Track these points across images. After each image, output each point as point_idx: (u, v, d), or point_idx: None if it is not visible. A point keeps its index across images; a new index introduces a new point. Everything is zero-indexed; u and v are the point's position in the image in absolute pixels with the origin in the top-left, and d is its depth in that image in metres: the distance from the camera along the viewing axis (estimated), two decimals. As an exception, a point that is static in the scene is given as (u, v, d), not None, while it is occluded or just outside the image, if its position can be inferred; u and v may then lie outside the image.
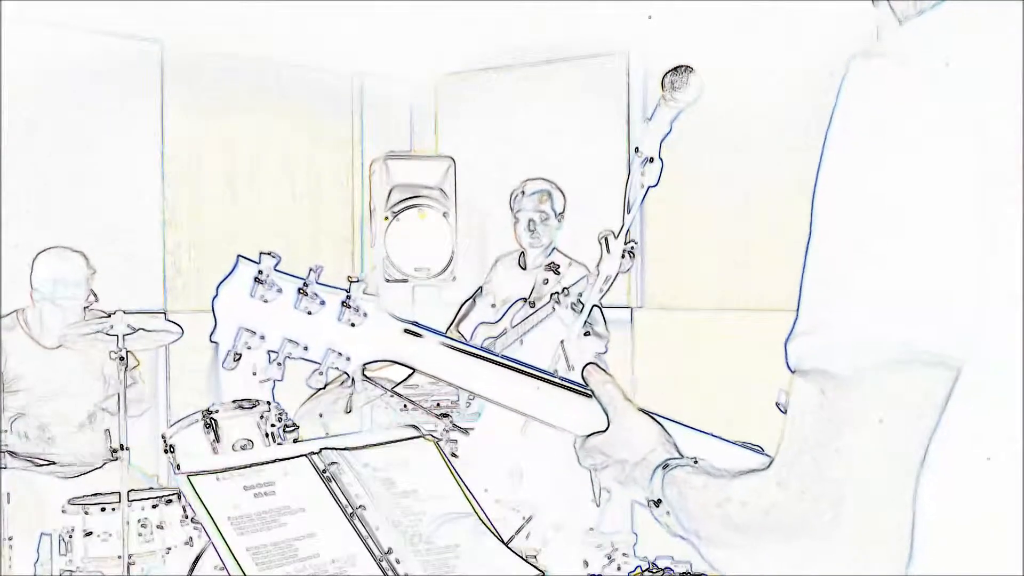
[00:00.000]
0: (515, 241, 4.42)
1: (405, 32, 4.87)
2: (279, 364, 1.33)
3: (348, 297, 1.33)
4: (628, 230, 3.31)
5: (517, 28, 4.78)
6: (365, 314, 1.34)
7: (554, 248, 4.33)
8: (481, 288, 4.51)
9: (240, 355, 1.32)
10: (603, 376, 1.33)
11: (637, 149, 3.02)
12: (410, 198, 5.00)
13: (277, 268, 1.34)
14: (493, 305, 4.30)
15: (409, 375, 4.21)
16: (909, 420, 0.94)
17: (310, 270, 1.34)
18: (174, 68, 4.80)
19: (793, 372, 0.98)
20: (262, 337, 1.33)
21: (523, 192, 4.34)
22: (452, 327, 4.47)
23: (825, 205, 0.95)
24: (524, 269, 4.37)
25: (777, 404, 1.16)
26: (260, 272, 1.33)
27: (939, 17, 0.97)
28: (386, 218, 4.99)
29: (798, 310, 0.97)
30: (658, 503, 1.17)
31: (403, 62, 5.39)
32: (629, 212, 3.14)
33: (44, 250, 3.97)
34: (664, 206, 4.61)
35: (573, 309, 3.78)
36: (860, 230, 0.93)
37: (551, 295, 3.88)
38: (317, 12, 4.52)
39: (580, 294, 3.71)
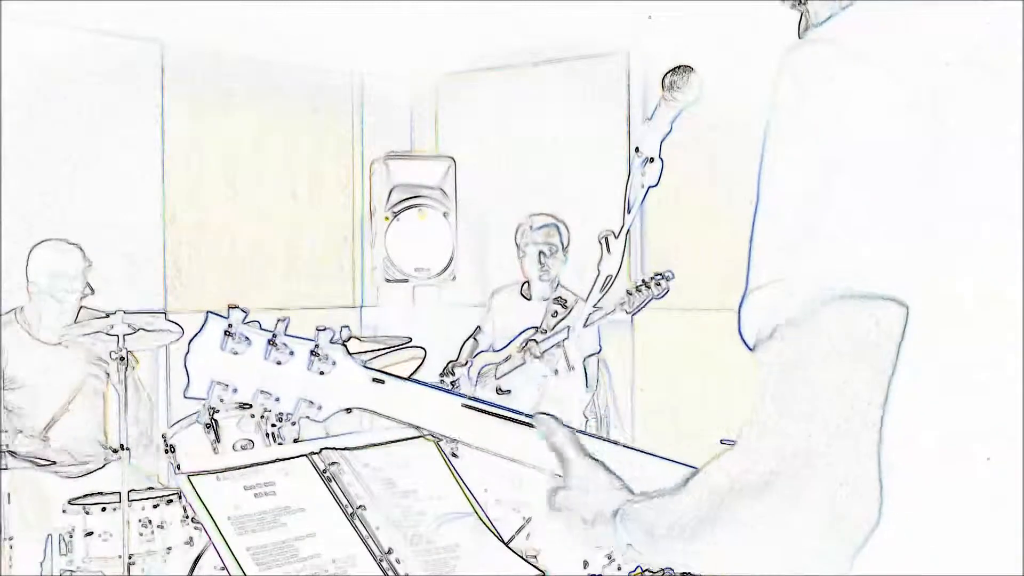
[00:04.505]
0: (521, 274, 4.45)
1: (405, 32, 4.87)
2: (252, 416, 1.36)
3: (316, 347, 1.36)
4: (628, 230, 3.31)
5: (517, 28, 4.78)
6: (334, 362, 1.36)
7: (559, 284, 4.38)
8: (479, 327, 4.53)
9: (216, 409, 1.36)
10: (552, 426, 1.33)
11: (637, 149, 3.02)
12: (410, 198, 5.00)
13: (246, 321, 1.36)
14: (496, 350, 4.32)
15: (407, 376, 4.20)
16: (865, 354, 0.98)
17: (278, 321, 1.37)
18: (174, 68, 4.80)
19: (752, 350, 1.04)
20: (235, 390, 1.35)
21: (531, 227, 4.39)
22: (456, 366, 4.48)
23: (771, 172, 1.04)
24: (528, 300, 4.41)
25: None
26: (229, 326, 1.35)
27: (848, 18, 1.07)
28: (386, 218, 4.99)
29: (747, 281, 1.05)
30: (629, 547, 1.19)
31: (403, 62, 5.39)
32: (629, 212, 3.14)
33: (40, 242, 3.96)
34: (664, 206, 4.61)
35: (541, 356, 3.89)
36: (801, 186, 1.01)
37: (525, 342, 3.94)
38: (317, 12, 4.52)
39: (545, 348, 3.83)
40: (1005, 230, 1.05)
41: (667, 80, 2.79)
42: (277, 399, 1.36)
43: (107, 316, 3.63)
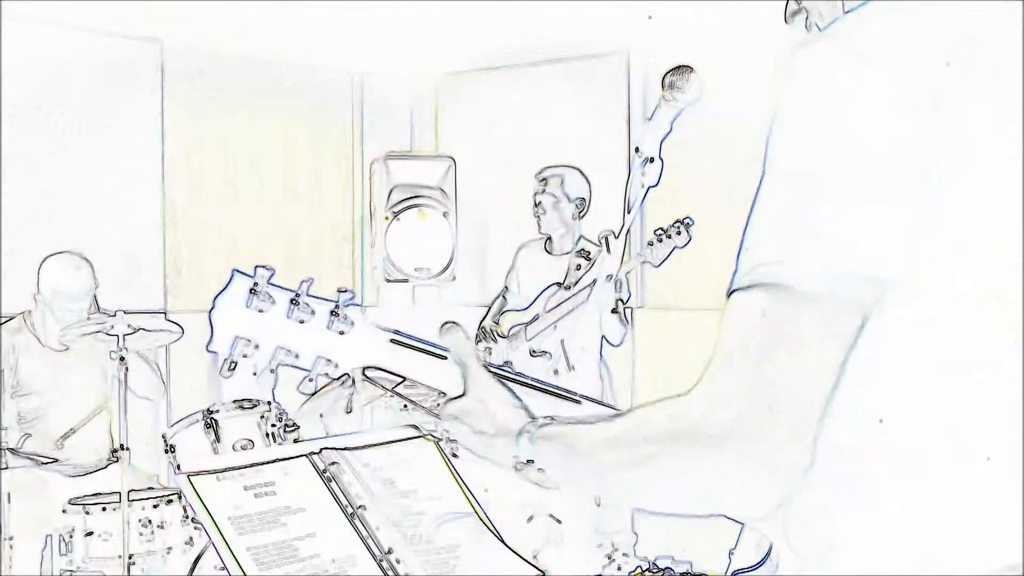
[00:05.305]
0: (536, 229, 4.43)
1: (405, 32, 4.87)
2: (272, 371, 1.42)
3: (336, 307, 1.42)
4: (628, 230, 3.31)
5: (517, 28, 4.78)
6: (352, 323, 1.42)
7: (581, 236, 4.31)
8: (506, 287, 4.51)
9: (236, 363, 1.40)
10: (459, 335, 1.41)
11: (637, 149, 3.03)
12: (410, 198, 5.00)
13: (270, 281, 1.41)
14: (521, 309, 4.26)
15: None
16: (835, 335, 1.03)
17: (302, 282, 1.43)
18: (174, 68, 4.80)
19: (732, 292, 1.08)
20: (256, 346, 1.40)
21: (540, 176, 4.35)
22: (487, 320, 4.44)
23: (782, 156, 1.08)
24: (551, 254, 4.37)
25: None
26: (255, 284, 1.40)
27: (851, 19, 1.12)
28: (386, 218, 4.99)
29: (744, 235, 1.09)
30: (528, 463, 1.26)
31: (403, 62, 5.39)
32: (629, 212, 3.14)
33: (53, 255, 3.93)
34: (664, 206, 4.61)
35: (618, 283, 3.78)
36: (802, 178, 1.06)
37: (607, 277, 3.84)
38: (317, 12, 4.52)
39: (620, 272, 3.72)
40: (1005, 230, 1.06)
41: (667, 80, 2.80)
42: (296, 355, 1.41)
43: (112, 315, 3.64)
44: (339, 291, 1.42)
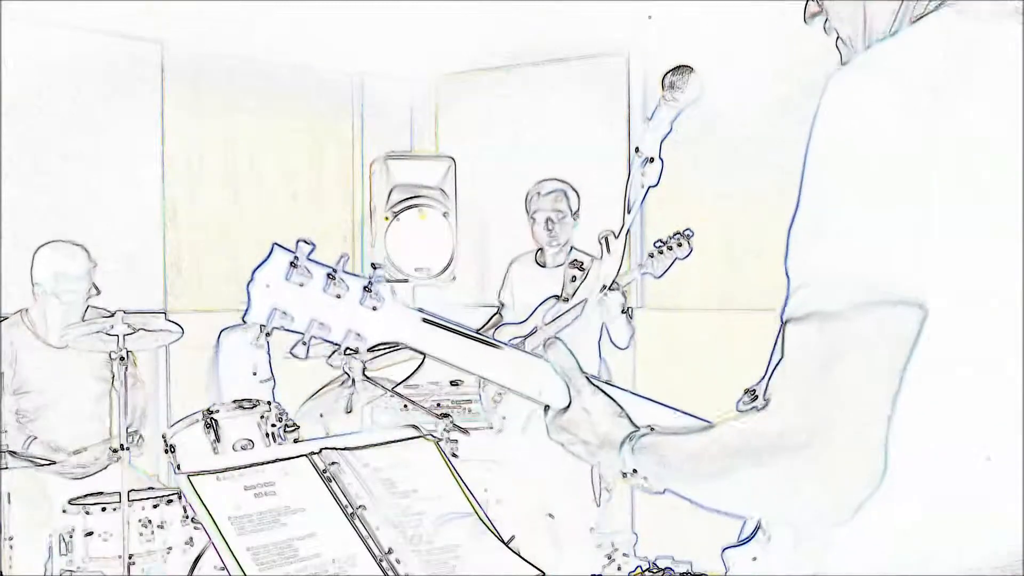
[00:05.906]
0: (532, 240, 4.44)
1: (405, 32, 4.87)
2: (304, 343, 1.46)
3: (370, 283, 1.48)
4: (628, 230, 3.31)
5: (517, 28, 4.78)
6: (383, 299, 1.48)
7: (572, 247, 4.34)
8: (503, 303, 4.51)
9: (271, 332, 1.43)
10: (562, 350, 1.48)
11: (637, 149, 3.03)
12: (410, 198, 5.00)
13: (309, 256, 1.47)
14: (519, 322, 4.27)
15: (408, 376, 4.20)
16: (887, 351, 1.06)
17: (340, 257, 1.49)
18: (175, 68, 4.80)
19: (786, 323, 1.13)
20: (292, 318, 1.45)
21: (539, 193, 4.37)
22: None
23: (811, 184, 1.12)
24: (543, 267, 4.38)
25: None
26: (295, 258, 1.45)
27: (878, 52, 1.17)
28: (386, 218, 4.99)
29: (788, 274, 1.13)
30: (633, 472, 1.33)
31: (403, 62, 5.39)
32: (629, 212, 3.14)
33: (44, 244, 3.95)
34: (664, 206, 4.61)
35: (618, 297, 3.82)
36: (838, 202, 1.10)
37: (601, 288, 3.87)
38: (317, 12, 4.52)
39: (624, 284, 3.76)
40: (1005, 232, 1.06)
41: (667, 80, 2.80)
42: (329, 329, 1.46)
43: (109, 316, 3.63)
44: (372, 266, 1.50)
